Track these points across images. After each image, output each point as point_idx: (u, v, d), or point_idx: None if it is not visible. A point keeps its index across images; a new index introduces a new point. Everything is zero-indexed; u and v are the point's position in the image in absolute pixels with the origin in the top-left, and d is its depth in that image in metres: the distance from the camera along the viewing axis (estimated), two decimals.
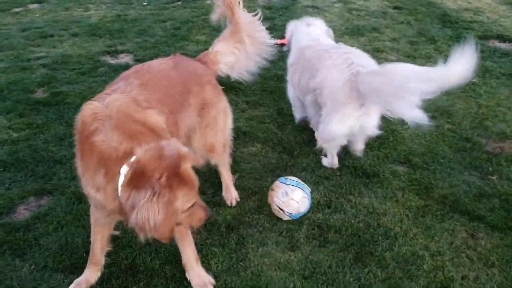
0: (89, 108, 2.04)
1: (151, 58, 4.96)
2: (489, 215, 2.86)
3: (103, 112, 1.98)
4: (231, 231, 2.79)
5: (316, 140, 3.37)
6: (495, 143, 3.57)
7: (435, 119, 3.87)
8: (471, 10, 6.37)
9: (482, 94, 4.22)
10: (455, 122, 3.83)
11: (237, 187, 3.12)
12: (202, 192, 2.93)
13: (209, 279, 2.44)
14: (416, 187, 3.13)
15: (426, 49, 5.19)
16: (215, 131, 2.76)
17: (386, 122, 3.82)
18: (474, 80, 4.45)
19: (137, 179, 1.80)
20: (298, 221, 2.86)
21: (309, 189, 2.93)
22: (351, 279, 2.46)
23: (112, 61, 5.11)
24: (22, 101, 4.19)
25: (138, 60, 5.05)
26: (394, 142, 3.62)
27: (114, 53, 5.26)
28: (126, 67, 4.87)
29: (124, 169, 1.84)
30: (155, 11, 6.61)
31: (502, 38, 5.44)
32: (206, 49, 5.15)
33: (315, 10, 6.52)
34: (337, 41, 5.42)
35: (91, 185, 1.99)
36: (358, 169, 3.33)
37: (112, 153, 1.88)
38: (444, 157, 3.41)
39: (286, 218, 2.85)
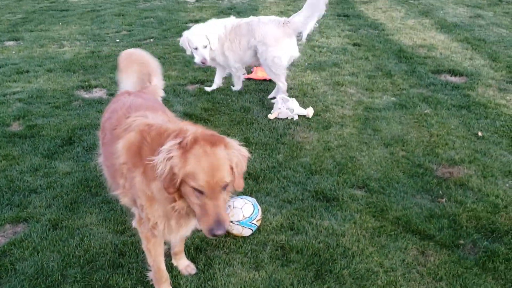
0: (132, 136, 2.23)
1: None
2: (438, 234, 3.12)
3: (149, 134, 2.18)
4: (199, 252, 2.96)
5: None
6: (445, 168, 3.87)
7: (391, 146, 4.18)
8: (426, 47, 6.83)
9: (434, 124, 4.56)
10: (409, 150, 4.14)
11: None
12: None
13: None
14: (372, 210, 3.38)
15: (383, 83, 5.56)
16: None
17: (346, 150, 4.13)
18: (426, 111, 4.81)
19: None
20: (263, 242, 3.05)
21: (253, 198, 3.22)
22: None
23: (86, 95, 5.29)
24: None
25: (112, 94, 5.24)
26: (352, 168, 3.88)
27: (88, 87, 5.45)
28: (99, 101, 5.08)
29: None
30: (128, 48, 6.81)
31: (453, 72, 5.86)
32: (179, 84, 5.46)
33: None
34: (300, 76, 5.79)
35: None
36: (319, 194, 3.56)
37: None
38: (399, 182, 3.69)
39: (241, 230, 3.08)
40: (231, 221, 3.02)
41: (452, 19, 8.28)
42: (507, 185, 3.62)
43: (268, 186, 3.65)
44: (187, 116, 4.71)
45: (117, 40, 7.22)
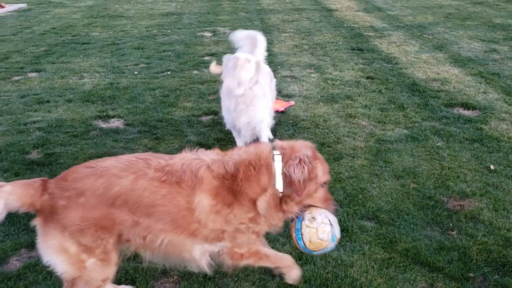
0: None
1: (141, 123, 5.40)
2: (448, 266, 3.10)
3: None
4: (208, 280, 2.99)
5: None
6: (455, 201, 3.86)
7: (402, 178, 4.20)
8: (439, 80, 6.89)
9: (446, 157, 4.57)
10: (420, 182, 4.15)
11: None
12: None
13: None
14: (382, 241, 3.38)
15: (396, 115, 5.61)
16: None
17: (356, 181, 4.15)
18: (438, 144, 4.83)
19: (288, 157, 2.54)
20: (271, 273, 3.07)
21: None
22: None
23: (104, 125, 5.46)
24: (18, 161, 4.49)
25: (128, 124, 5.41)
26: (363, 199, 3.90)
27: (106, 117, 5.62)
28: (116, 130, 5.24)
29: (277, 157, 2.55)
30: (145, 80, 7.06)
31: (466, 106, 5.89)
32: (193, 115, 5.59)
33: (293, 80, 7.02)
34: (313, 108, 5.88)
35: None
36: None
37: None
38: (409, 214, 3.69)
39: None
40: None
41: (467, 53, 8.35)
42: None
43: None
44: (201, 145, 4.77)
45: (135, 73, 7.45)
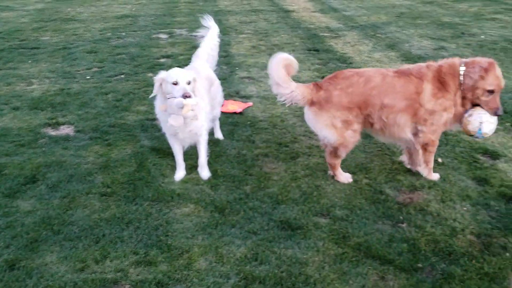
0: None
1: (92, 129, 5.28)
2: (398, 258, 3.17)
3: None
4: (161, 287, 2.94)
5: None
6: (405, 194, 3.96)
7: (355, 174, 4.27)
8: None
9: (396, 152, 4.68)
10: (371, 177, 4.23)
11: (168, 245, 3.32)
12: None
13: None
14: (335, 237, 3.42)
15: None
16: None
17: (312, 179, 4.20)
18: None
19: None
20: (226, 275, 3.06)
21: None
22: None
23: (53, 132, 5.29)
24: None
25: (79, 131, 5.27)
26: (317, 196, 3.94)
27: (55, 125, 5.45)
28: (66, 138, 5.10)
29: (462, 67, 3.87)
30: (98, 84, 6.90)
31: None
32: (147, 119, 5.49)
33: (251, 81, 7.03)
34: (271, 108, 5.91)
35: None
36: (284, 223, 3.60)
37: None
38: (361, 209, 3.75)
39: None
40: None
41: (417, 51, 8.59)
42: (465, 208, 3.71)
43: (234, 218, 3.67)
44: (155, 151, 4.75)
45: (88, 77, 7.27)
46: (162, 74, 3.94)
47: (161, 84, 3.93)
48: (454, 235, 3.39)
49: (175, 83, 3.81)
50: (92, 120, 5.58)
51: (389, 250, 3.25)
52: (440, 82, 3.84)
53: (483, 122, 3.76)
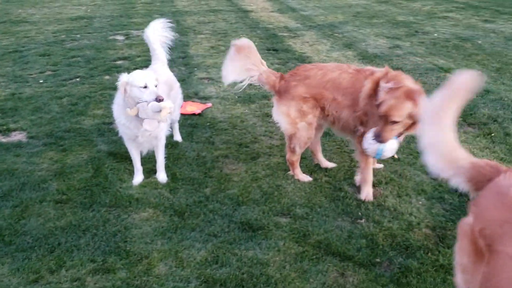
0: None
1: (46, 134, 5.11)
2: (357, 254, 3.22)
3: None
4: None
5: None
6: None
7: (315, 173, 4.31)
8: None
9: (354, 149, 4.75)
10: (331, 175, 4.29)
11: (127, 251, 3.25)
12: None
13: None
14: (296, 236, 3.44)
15: None
16: None
17: (272, 179, 4.21)
18: (347, 137, 5.01)
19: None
20: (186, 279, 3.02)
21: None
22: None
23: (3, 139, 5.07)
24: None
25: (32, 137, 5.09)
26: (278, 196, 3.96)
27: (6, 131, 5.23)
28: (18, 144, 4.91)
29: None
30: (52, 88, 6.68)
31: None
32: (104, 123, 5.35)
33: (210, 81, 6.99)
34: (230, 109, 5.89)
35: None
36: (245, 224, 3.59)
37: None
38: (321, 206, 3.80)
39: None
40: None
41: (373, 50, 8.78)
42: (420, 203, 3.82)
43: (193, 221, 3.64)
44: (112, 155, 4.64)
45: (41, 81, 7.03)
46: (126, 77, 3.79)
47: (125, 89, 3.78)
48: (410, 229, 3.48)
49: (145, 87, 3.71)
50: (46, 125, 5.39)
51: (348, 246, 3.29)
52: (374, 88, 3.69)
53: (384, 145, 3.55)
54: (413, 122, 3.47)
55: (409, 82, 3.54)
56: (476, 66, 7.52)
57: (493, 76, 7.00)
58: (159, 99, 3.64)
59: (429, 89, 6.45)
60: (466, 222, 2.09)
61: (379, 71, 3.75)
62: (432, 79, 6.94)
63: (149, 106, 3.67)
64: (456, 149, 2.17)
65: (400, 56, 8.32)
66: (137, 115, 3.77)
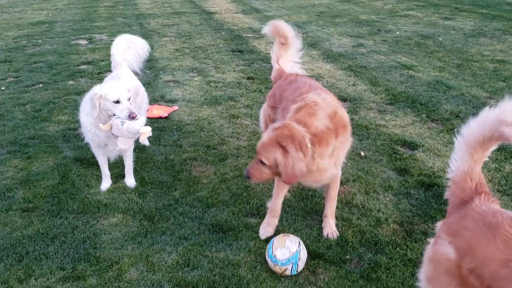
0: None
1: (10, 142, 4.98)
2: (327, 252, 3.27)
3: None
4: None
5: None
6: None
7: None
8: (314, 76, 7.24)
9: None
10: None
11: (96, 258, 3.21)
12: None
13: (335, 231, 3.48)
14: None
15: None
16: None
17: (241, 180, 4.22)
18: None
19: None
20: (158, 283, 3.01)
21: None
22: None
23: None
24: None
25: None
26: (247, 197, 3.98)
27: None
28: None
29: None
30: (14, 95, 6.51)
31: (338, 98, 6.23)
32: (69, 129, 5.25)
33: (176, 84, 6.95)
34: (197, 111, 5.87)
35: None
36: (215, 226, 3.60)
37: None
38: (290, 206, 3.84)
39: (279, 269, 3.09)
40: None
41: (337, 49, 8.92)
42: (388, 199, 3.91)
43: (164, 225, 3.62)
44: (78, 161, 4.56)
45: (3, 88, 6.83)
46: (99, 90, 3.68)
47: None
48: (378, 225, 3.56)
49: (117, 102, 3.63)
50: (9, 133, 5.25)
51: (318, 244, 3.35)
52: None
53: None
54: None
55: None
56: (437, 63, 7.76)
57: (454, 72, 7.24)
58: (132, 116, 3.59)
59: (393, 86, 6.65)
60: (446, 257, 1.93)
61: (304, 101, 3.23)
62: (395, 76, 7.12)
63: (125, 127, 3.59)
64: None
65: (364, 54, 8.49)
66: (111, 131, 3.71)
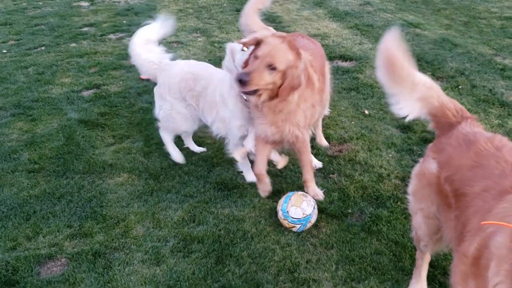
0: None
1: (14, 105, 4.99)
2: (329, 206, 3.32)
3: None
4: (98, 257, 2.92)
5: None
6: (335, 147, 4.11)
7: None
8: (320, 36, 7.14)
9: None
10: None
11: (103, 216, 3.28)
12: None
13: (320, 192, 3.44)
14: (271, 193, 3.52)
15: None
16: None
17: None
18: None
19: None
20: (164, 238, 3.08)
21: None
22: (211, 281, 2.73)
23: None
24: None
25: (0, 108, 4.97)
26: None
27: None
28: None
29: None
30: (16, 58, 6.48)
31: (344, 58, 6.19)
32: (73, 91, 5.26)
33: (179, 45, 6.87)
34: None
35: None
36: (220, 184, 3.64)
37: None
38: (294, 164, 3.86)
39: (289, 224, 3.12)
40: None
41: (344, 7, 8.73)
42: (390, 155, 3.92)
43: (169, 183, 3.67)
44: (83, 123, 4.58)
45: (4, 51, 6.81)
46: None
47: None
48: (380, 180, 3.59)
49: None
50: (12, 96, 5.27)
51: (321, 200, 3.38)
52: None
53: None
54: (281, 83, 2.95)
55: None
56: (444, 20, 7.59)
57: (460, 30, 7.09)
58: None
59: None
60: (430, 171, 2.16)
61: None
62: (402, 34, 6.95)
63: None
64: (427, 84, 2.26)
65: (370, 13, 8.30)
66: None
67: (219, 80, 3.50)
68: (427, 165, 2.19)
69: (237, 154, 3.55)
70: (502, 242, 1.48)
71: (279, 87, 2.95)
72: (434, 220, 2.21)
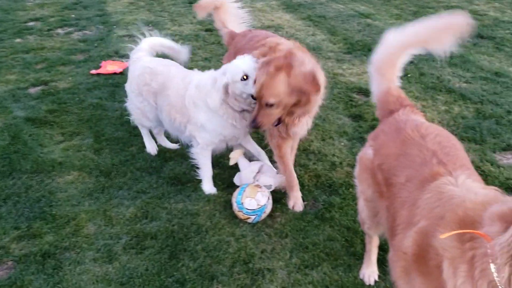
0: None
1: None
2: (283, 196, 3.34)
3: None
4: (48, 258, 2.83)
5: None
6: None
7: None
8: (273, 27, 7.16)
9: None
10: None
11: (52, 215, 3.17)
12: None
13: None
14: (224, 185, 3.51)
15: None
16: None
17: None
18: None
19: None
20: (116, 236, 3.01)
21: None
22: (165, 277, 2.70)
23: None
24: None
25: None
26: None
27: None
28: None
29: None
30: None
31: None
32: (19, 88, 5.05)
33: (131, 39, 6.70)
34: None
35: None
36: (173, 179, 3.60)
37: None
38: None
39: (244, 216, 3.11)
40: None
41: None
42: (342, 144, 3.99)
43: (121, 180, 3.59)
44: (30, 121, 4.41)
45: None
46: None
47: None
48: (333, 168, 3.65)
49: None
50: None
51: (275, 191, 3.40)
52: None
53: None
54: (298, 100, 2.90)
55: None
56: (394, 10, 7.77)
57: (410, 19, 7.22)
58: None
59: (351, 35, 6.65)
60: (367, 156, 2.23)
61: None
62: (353, 25, 7.10)
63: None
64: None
65: (323, 4, 8.39)
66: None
67: (194, 86, 3.39)
68: (366, 150, 2.26)
69: (233, 159, 3.46)
70: (448, 243, 1.47)
71: (295, 103, 2.92)
72: (372, 203, 2.27)
